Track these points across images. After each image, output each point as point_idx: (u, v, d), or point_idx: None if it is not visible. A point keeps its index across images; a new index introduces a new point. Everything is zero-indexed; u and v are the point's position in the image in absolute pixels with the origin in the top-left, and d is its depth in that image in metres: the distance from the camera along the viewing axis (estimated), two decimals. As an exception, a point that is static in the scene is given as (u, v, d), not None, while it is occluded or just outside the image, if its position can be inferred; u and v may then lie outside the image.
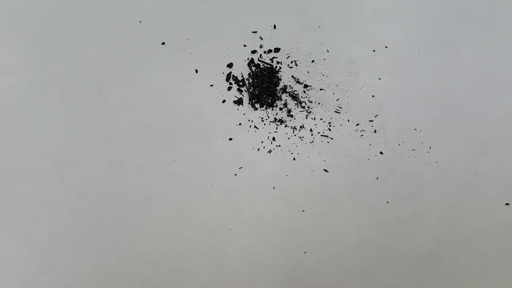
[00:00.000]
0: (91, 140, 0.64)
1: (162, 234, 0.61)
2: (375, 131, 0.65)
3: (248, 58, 0.69)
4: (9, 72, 0.67)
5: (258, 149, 0.64)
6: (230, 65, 0.68)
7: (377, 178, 0.63)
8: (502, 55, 0.68)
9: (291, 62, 0.68)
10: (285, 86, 0.67)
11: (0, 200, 0.62)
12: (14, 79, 0.67)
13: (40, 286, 0.62)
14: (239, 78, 0.68)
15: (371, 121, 0.65)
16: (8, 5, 0.72)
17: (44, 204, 0.62)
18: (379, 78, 0.68)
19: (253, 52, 0.69)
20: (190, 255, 0.62)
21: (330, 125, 0.65)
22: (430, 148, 0.65)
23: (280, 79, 0.67)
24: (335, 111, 0.66)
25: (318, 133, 0.64)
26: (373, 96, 0.67)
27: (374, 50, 0.69)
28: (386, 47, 0.69)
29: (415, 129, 0.66)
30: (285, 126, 0.65)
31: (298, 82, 0.67)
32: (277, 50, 0.69)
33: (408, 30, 0.70)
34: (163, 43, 0.70)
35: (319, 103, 0.66)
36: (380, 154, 0.64)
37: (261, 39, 0.70)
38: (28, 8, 0.72)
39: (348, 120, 0.65)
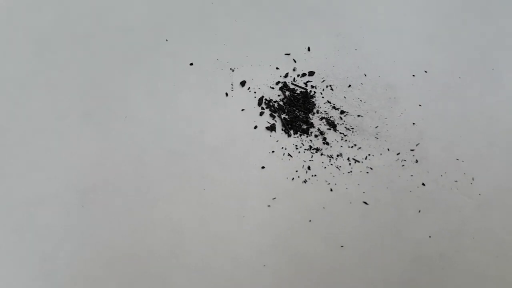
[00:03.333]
0: (116, 166, 0.61)
1: (192, 268, 0.58)
2: (416, 161, 0.61)
3: (280, 82, 0.66)
4: (30, 93, 0.64)
5: (293, 179, 0.60)
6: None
7: (419, 211, 0.60)
8: (548, 81, 0.65)
9: (327, 86, 0.65)
10: (321, 112, 0.64)
11: (20, 229, 0.59)
12: (36, 102, 0.64)
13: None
14: (272, 102, 0.64)
15: (412, 150, 0.62)
16: (30, 23, 0.69)
17: (66, 233, 0.59)
18: (420, 105, 0.64)
19: (286, 75, 0.66)
20: (219, 290, 0.58)
21: (369, 154, 0.61)
22: (473, 179, 0.62)
23: (315, 104, 0.64)
24: (374, 139, 0.62)
25: (356, 162, 0.61)
26: (413, 123, 0.63)
27: (413, 75, 0.66)
28: (426, 71, 0.66)
29: (457, 159, 0.62)
30: (321, 154, 0.61)
31: (334, 107, 0.64)
32: (311, 73, 0.66)
33: (449, 54, 0.67)
34: (191, 64, 0.67)
35: (356, 131, 0.63)
36: (422, 186, 0.61)
37: (295, 61, 0.67)
38: (51, 26, 0.69)
39: (388, 149, 0.62)
